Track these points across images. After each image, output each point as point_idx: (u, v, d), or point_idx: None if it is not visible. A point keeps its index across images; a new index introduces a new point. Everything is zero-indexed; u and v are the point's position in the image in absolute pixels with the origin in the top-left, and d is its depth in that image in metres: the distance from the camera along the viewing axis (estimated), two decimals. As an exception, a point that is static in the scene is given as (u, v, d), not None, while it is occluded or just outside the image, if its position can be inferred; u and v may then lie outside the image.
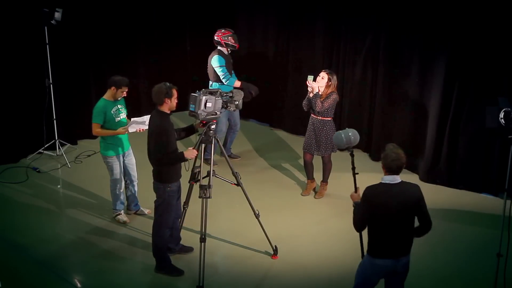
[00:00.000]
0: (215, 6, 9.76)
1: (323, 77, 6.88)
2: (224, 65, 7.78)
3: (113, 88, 6.27)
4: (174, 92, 5.45)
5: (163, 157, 5.39)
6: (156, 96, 5.41)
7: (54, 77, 8.03)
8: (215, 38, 7.86)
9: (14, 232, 6.46)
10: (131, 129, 6.39)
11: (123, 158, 6.52)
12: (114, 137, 6.36)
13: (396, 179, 4.29)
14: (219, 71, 7.77)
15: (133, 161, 6.66)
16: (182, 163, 5.60)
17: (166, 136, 5.36)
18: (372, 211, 4.27)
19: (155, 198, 5.65)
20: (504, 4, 6.80)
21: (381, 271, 4.36)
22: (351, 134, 5.00)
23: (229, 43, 7.83)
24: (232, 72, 8.05)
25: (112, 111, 6.31)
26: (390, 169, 4.29)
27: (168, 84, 5.46)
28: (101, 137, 6.41)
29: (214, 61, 7.79)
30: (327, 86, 6.87)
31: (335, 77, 6.89)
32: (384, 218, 4.25)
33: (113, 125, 6.33)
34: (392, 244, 4.29)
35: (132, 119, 6.34)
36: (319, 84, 6.89)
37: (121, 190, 6.59)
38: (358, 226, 4.41)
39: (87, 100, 8.84)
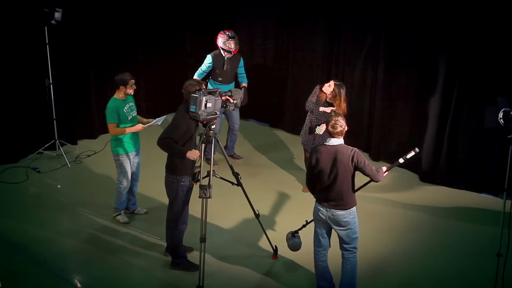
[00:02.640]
0: (215, 6, 9.76)
1: (330, 85, 6.86)
2: (207, 64, 7.84)
3: (121, 87, 6.30)
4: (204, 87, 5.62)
5: (164, 139, 5.47)
6: (185, 92, 5.61)
7: (54, 77, 8.02)
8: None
9: (14, 232, 6.46)
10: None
11: (132, 157, 6.54)
12: (127, 136, 6.38)
13: (334, 141, 5.06)
14: (201, 67, 7.89)
15: (139, 161, 6.68)
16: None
17: (175, 122, 5.53)
18: (312, 166, 5.13)
19: (165, 195, 5.73)
20: (504, 4, 6.79)
21: (320, 215, 5.20)
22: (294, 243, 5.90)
23: (224, 47, 7.79)
24: (242, 74, 8.10)
25: (124, 110, 6.35)
26: (330, 133, 5.08)
27: (197, 80, 5.69)
28: (113, 135, 6.42)
29: (206, 59, 7.89)
30: (332, 95, 6.84)
31: (342, 91, 6.80)
32: (320, 173, 5.10)
33: (127, 123, 6.37)
34: (325, 195, 5.13)
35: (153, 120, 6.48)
36: (326, 90, 6.88)
37: (127, 190, 6.60)
38: (308, 184, 5.38)
39: (87, 100, 8.86)
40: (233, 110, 5.98)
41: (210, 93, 5.44)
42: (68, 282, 5.69)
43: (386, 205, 7.06)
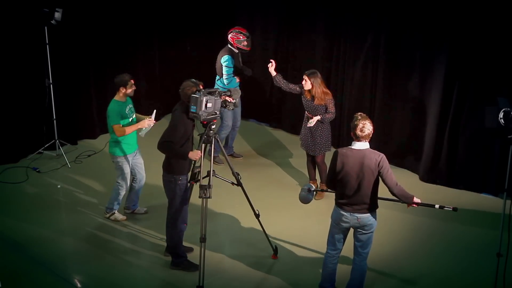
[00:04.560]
0: (215, 6, 9.76)
1: (306, 80, 6.89)
2: (232, 66, 7.83)
3: (121, 88, 6.31)
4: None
5: (163, 142, 5.49)
6: (182, 93, 5.60)
7: (54, 77, 8.02)
8: (228, 37, 7.89)
9: (14, 232, 6.46)
10: (146, 129, 6.46)
11: (131, 158, 6.54)
12: (125, 137, 6.38)
13: (360, 145, 5.00)
14: (225, 71, 7.81)
15: (141, 161, 6.69)
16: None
17: (173, 124, 5.53)
18: (336, 169, 5.03)
19: (165, 195, 5.75)
20: (504, 4, 6.80)
21: (343, 220, 5.12)
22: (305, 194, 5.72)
23: (241, 46, 7.86)
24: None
25: (126, 111, 6.38)
26: (356, 136, 4.99)
27: (194, 80, 5.62)
28: (112, 137, 6.42)
29: (223, 60, 7.83)
30: (313, 86, 6.87)
31: (318, 75, 6.87)
32: (344, 177, 5.01)
33: (127, 124, 6.38)
34: (349, 200, 5.04)
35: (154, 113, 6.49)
36: (305, 87, 6.91)
37: (125, 191, 6.61)
38: (328, 184, 5.28)
39: (87, 100, 8.86)
40: (233, 109, 5.99)
41: (210, 93, 5.45)
42: (68, 282, 5.69)
43: (386, 205, 7.02)
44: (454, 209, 5.24)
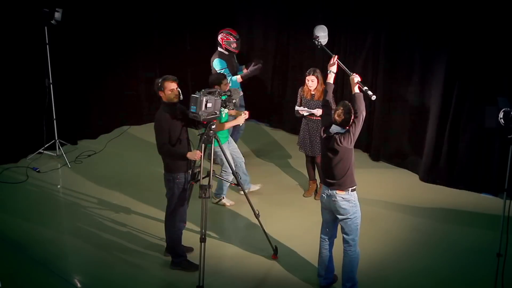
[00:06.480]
0: (215, 6, 9.76)
1: (313, 80, 6.91)
2: (226, 67, 7.78)
3: (215, 86, 6.52)
4: (167, 85, 5.56)
5: (161, 147, 5.54)
6: (155, 88, 5.66)
7: (54, 77, 8.03)
8: (218, 37, 7.86)
9: (14, 232, 6.46)
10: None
11: (226, 147, 6.77)
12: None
13: (333, 129, 5.22)
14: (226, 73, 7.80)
15: (235, 145, 7.10)
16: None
17: (157, 126, 5.56)
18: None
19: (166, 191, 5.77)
20: (504, 4, 6.80)
21: (324, 196, 5.37)
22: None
23: (229, 48, 7.82)
24: (239, 69, 8.06)
25: None
26: (335, 121, 5.22)
27: (162, 77, 5.62)
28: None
29: (216, 65, 7.78)
30: (319, 84, 6.92)
31: (319, 72, 6.97)
32: (322, 154, 5.42)
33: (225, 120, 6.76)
34: (324, 176, 5.37)
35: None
36: (312, 87, 6.94)
37: (229, 177, 6.83)
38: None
39: (87, 100, 8.86)
40: (233, 109, 5.99)
41: (210, 93, 5.46)
42: (68, 282, 5.69)
43: (386, 205, 7.06)
44: (372, 97, 5.51)
